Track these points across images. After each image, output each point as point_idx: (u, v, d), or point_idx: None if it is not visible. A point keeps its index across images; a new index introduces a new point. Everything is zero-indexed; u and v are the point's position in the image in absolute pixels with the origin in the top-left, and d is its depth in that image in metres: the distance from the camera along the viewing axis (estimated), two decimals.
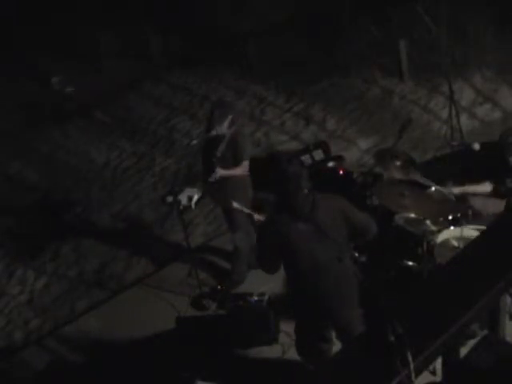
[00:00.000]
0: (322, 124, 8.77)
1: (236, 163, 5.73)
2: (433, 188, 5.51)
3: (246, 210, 5.34)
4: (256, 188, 6.03)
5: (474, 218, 5.73)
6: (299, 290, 4.43)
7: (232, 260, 6.27)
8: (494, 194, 5.45)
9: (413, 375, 3.19)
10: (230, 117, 5.71)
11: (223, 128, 5.68)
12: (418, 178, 5.54)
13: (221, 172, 5.71)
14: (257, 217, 5.11)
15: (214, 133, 5.71)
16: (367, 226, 4.41)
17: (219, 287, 6.20)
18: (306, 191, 4.20)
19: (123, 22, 11.50)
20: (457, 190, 5.46)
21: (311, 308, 4.41)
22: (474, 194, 5.57)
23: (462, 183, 5.83)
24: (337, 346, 4.62)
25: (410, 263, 5.44)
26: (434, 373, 4.64)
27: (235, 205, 5.40)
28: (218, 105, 5.98)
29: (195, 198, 5.86)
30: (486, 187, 5.38)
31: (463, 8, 9.36)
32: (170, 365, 5.48)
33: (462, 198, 5.72)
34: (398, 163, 5.84)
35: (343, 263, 4.30)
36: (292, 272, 4.41)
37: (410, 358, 3.18)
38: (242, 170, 5.77)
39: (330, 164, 7.19)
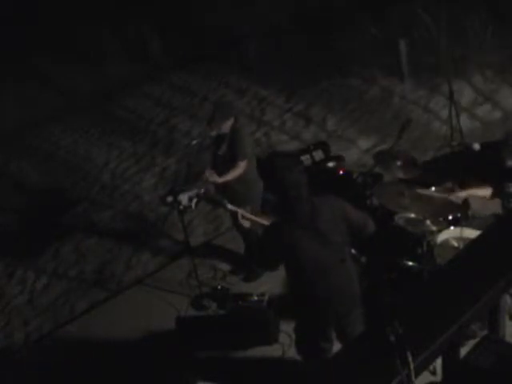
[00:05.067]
0: (321, 124, 8.77)
1: (235, 163, 5.73)
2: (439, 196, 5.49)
3: (244, 213, 5.27)
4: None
5: (474, 218, 5.75)
6: (301, 290, 4.43)
7: (248, 253, 6.28)
8: (493, 196, 5.45)
9: (413, 375, 3.20)
10: (232, 118, 5.72)
11: (225, 127, 5.70)
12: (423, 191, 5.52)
13: (216, 179, 5.70)
14: (246, 216, 5.09)
15: (214, 133, 5.72)
16: (365, 223, 4.42)
17: (219, 287, 6.21)
18: (305, 198, 4.20)
19: (123, 21, 11.51)
20: (463, 194, 5.45)
21: (313, 308, 4.41)
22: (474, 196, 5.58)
23: (462, 184, 5.83)
24: (337, 346, 4.63)
25: (410, 263, 5.44)
26: (434, 373, 4.64)
27: (229, 207, 5.37)
28: (219, 105, 5.98)
29: (195, 198, 5.86)
30: (487, 191, 5.38)
31: (463, 8, 9.36)
32: (170, 365, 5.48)
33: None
34: (399, 163, 5.84)
35: (345, 264, 4.34)
36: (294, 274, 4.41)
37: (410, 358, 3.18)
38: (238, 171, 5.72)
39: (330, 164, 7.19)
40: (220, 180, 5.71)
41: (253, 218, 5.15)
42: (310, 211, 4.19)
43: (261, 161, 6.11)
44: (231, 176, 5.70)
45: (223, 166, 5.75)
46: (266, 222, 4.94)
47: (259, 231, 5.63)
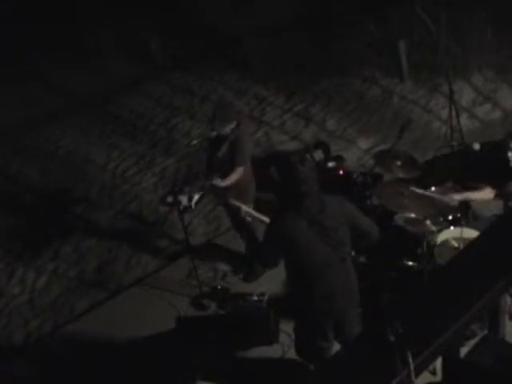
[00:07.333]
0: (321, 124, 8.76)
1: (234, 165, 5.72)
2: (434, 196, 5.48)
3: (246, 209, 5.33)
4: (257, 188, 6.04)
5: (474, 218, 5.75)
6: (301, 288, 4.44)
7: (248, 253, 6.28)
8: (495, 196, 5.45)
9: (413, 375, 3.20)
10: (234, 120, 5.70)
11: (227, 129, 5.68)
12: (419, 191, 5.51)
13: (218, 183, 5.71)
14: (248, 212, 5.14)
15: (215, 133, 5.71)
16: (370, 230, 4.44)
17: (219, 287, 6.21)
18: (314, 193, 4.22)
19: (123, 22, 11.50)
20: (458, 196, 5.46)
21: (312, 307, 4.42)
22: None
23: (462, 184, 5.83)
24: (336, 346, 4.62)
25: (410, 263, 5.44)
26: (434, 373, 4.64)
27: (233, 202, 5.40)
28: (219, 106, 5.96)
29: (195, 198, 5.86)
30: (489, 194, 5.38)
31: (463, 8, 9.36)
32: (170, 365, 5.48)
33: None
34: (399, 163, 5.84)
35: (346, 264, 4.35)
36: (295, 271, 4.42)
37: (410, 358, 3.18)
38: (236, 176, 5.70)
39: (330, 164, 7.19)
40: (223, 184, 5.69)
41: (254, 213, 5.20)
42: (317, 206, 4.22)
43: (260, 160, 6.11)
44: (230, 181, 5.68)
45: (221, 168, 5.74)
46: (266, 218, 4.97)
47: (258, 229, 5.68)
